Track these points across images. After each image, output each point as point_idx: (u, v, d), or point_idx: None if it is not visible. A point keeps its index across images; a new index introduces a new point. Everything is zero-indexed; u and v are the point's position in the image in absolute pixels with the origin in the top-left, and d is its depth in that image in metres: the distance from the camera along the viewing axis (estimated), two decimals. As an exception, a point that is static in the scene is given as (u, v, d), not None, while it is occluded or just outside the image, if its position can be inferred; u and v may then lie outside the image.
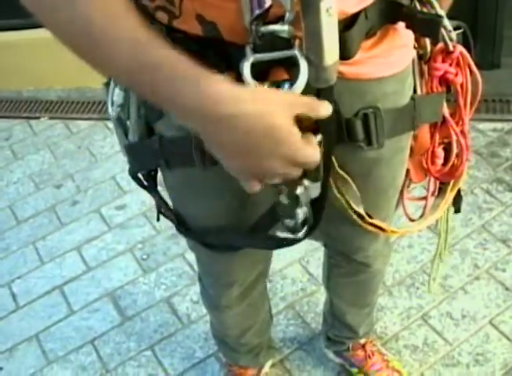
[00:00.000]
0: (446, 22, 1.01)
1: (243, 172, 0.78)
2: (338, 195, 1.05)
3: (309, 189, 0.86)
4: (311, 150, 0.76)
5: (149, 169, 1.10)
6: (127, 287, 2.23)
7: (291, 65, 0.79)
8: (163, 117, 0.99)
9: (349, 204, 1.07)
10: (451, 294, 2.00)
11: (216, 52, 0.83)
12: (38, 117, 3.15)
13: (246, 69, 0.79)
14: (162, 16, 0.84)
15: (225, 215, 1.09)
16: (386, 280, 2.05)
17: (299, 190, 0.85)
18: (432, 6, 1.01)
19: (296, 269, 2.15)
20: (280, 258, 2.13)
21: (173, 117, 0.96)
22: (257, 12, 0.74)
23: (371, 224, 1.12)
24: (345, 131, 0.95)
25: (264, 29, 0.76)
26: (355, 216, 1.09)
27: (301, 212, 0.90)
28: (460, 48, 1.04)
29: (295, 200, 0.87)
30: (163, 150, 0.99)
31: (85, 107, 3.13)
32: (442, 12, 1.01)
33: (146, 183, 1.10)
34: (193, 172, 0.98)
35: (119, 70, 0.75)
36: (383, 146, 0.97)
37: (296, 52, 0.78)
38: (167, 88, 0.72)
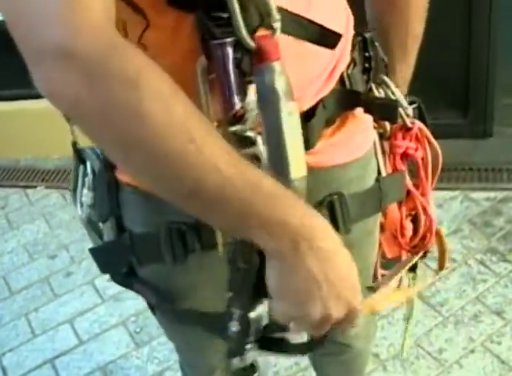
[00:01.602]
0: (402, 99, 1.04)
1: (297, 313, 0.76)
2: None
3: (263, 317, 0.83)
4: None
5: (122, 269, 1.05)
6: (119, 361, 2.20)
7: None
8: (130, 213, 0.99)
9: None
10: (446, 368, 1.97)
11: None
12: (35, 186, 3.16)
13: None
14: None
15: (198, 306, 1.06)
16: (380, 354, 2.03)
17: (253, 314, 0.81)
18: (387, 86, 1.04)
19: (289, 343, 2.12)
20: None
21: (141, 215, 0.97)
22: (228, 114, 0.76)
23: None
24: None
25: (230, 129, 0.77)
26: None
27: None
28: (418, 124, 1.07)
29: (246, 329, 0.82)
30: (134, 246, 0.98)
31: (81, 177, 3.14)
32: (398, 92, 1.04)
33: (122, 280, 1.07)
34: (164, 268, 0.97)
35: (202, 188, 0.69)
36: (349, 231, 0.97)
37: (260, 147, 0.78)
38: (272, 206, 0.70)
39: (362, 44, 0.99)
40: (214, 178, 0.68)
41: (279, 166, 0.77)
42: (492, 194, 2.57)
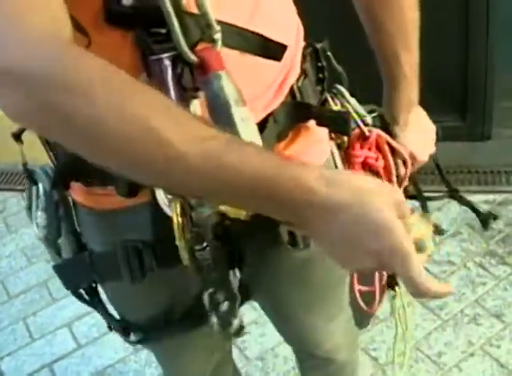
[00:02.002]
0: (359, 108, 1.03)
1: (347, 262, 0.70)
2: None
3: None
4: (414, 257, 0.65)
5: (84, 285, 1.03)
6: (117, 365, 2.20)
7: None
8: (86, 233, 0.98)
9: None
10: (445, 372, 1.97)
11: None
12: (33, 190, 3.15)
13: None
14: None
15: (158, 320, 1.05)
16: (379, 358, 2.03)
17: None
18: (343, 96, 1.03)
19: (288, 347, 2.10)
20: (272, 336, 2.10)
21: (98, 234, 0.96)
22: None
23: None
24: (272, 234, 0.92)
25: None
26: None
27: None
28: (377, 132, 1.05)
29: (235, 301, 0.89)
30: (93, 265, 0.96)
31: (79, 180, 3.13)
32: (353, 101, 1.04)
33: (87, 298, 1.05)
34: (123, 285, 0.95)
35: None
36: (309, 246, 0.91)
37: None
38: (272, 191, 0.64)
39: (313, 54, 0.98)
40: (210, 176, 0.64)
41: None
42: (490, 197, 2.56)
